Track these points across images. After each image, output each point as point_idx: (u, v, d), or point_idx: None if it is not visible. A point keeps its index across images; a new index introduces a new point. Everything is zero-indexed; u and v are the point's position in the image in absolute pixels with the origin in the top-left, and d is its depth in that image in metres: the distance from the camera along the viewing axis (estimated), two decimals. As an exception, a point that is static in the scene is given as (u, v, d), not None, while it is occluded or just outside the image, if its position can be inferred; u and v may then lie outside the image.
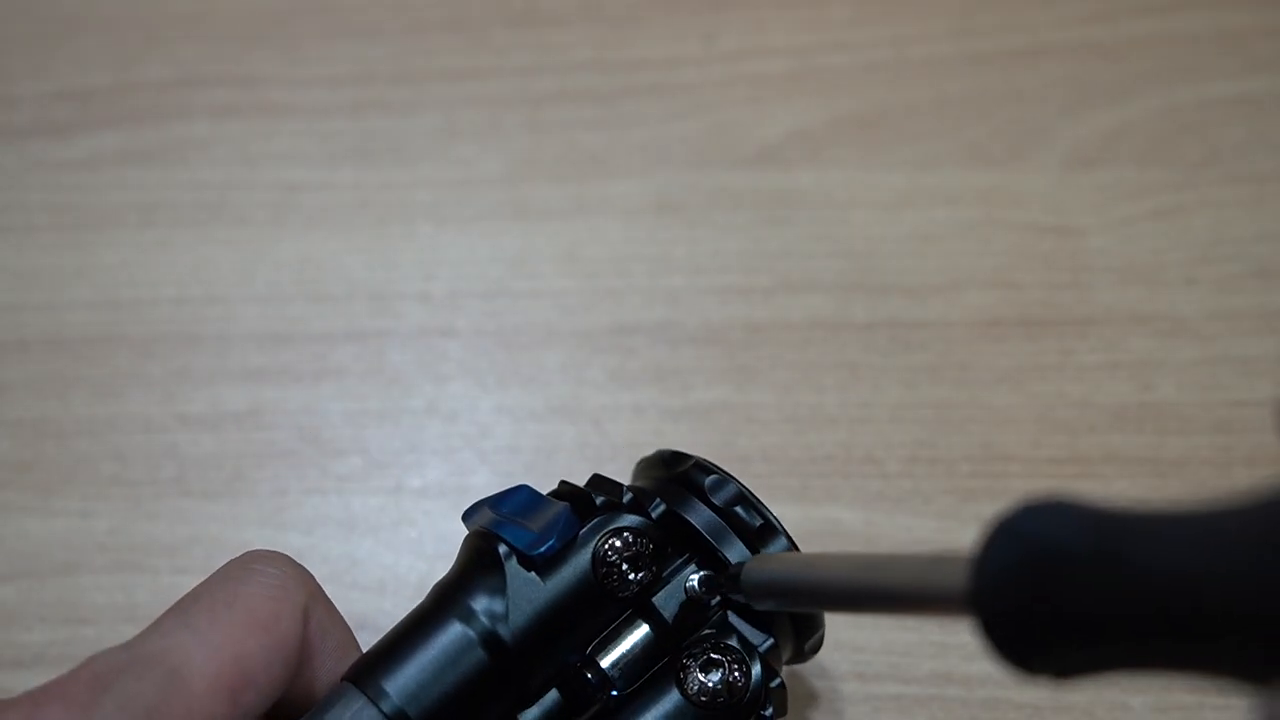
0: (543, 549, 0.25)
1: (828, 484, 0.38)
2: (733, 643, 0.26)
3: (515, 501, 0.26)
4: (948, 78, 0.45)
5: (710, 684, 0.26)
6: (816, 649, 0.29)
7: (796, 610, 0.27)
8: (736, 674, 0.26)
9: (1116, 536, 0.16)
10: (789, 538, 0.27)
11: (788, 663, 0.29)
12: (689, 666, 0.26)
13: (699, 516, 0.27)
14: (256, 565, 0.25)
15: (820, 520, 0.37)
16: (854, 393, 0.39)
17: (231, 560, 0.25)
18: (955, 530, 0.37)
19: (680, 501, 0.27)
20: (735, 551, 0.27)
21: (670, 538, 0.27)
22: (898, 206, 0.43)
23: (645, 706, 0.26)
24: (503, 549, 0.25)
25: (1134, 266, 0.41)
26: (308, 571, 0.26)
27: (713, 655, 0.26)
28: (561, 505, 0.26)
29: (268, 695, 0.23)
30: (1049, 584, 0.16)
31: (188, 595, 0.24)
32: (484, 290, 0.42)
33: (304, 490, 0.38)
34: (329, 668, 0.25)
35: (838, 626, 0.36)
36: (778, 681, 0.26)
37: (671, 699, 0.26)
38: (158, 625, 0.23)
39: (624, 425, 0.39)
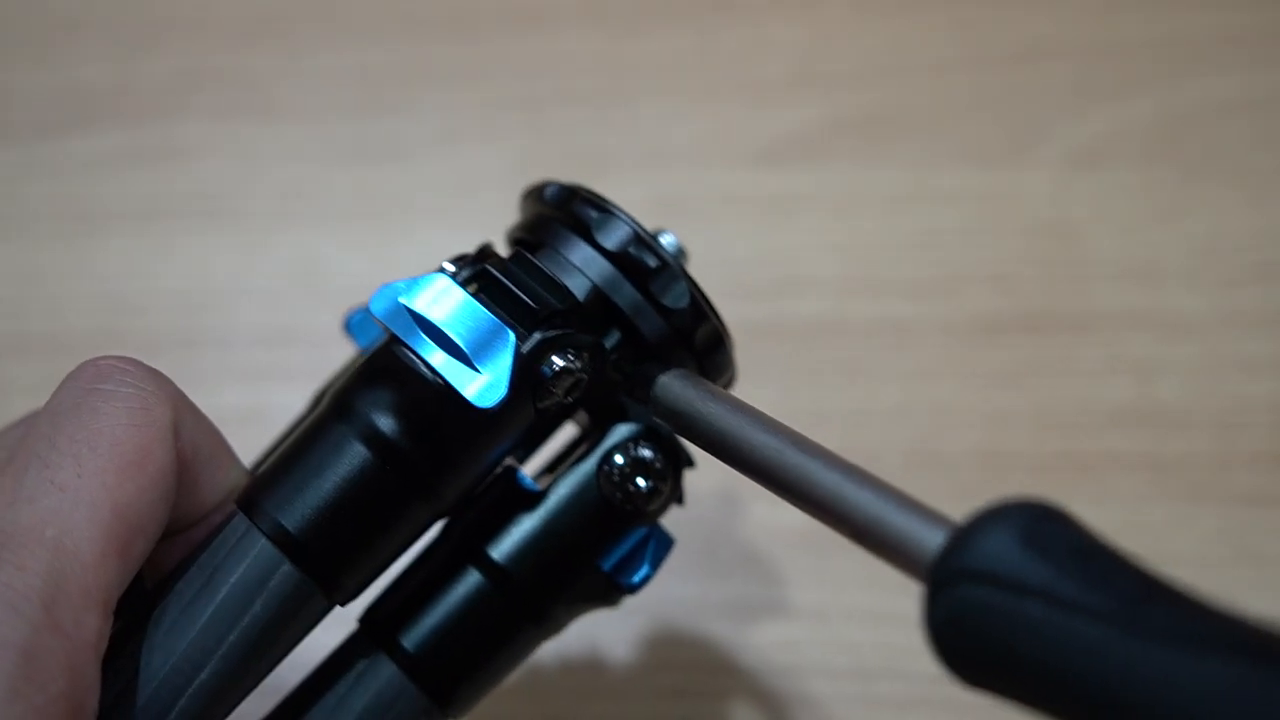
0: (491, 400, 0.21)
1: (828, 484, 0.38)
2: (658, 437, 0.25)
3: (445, 310, 0.21)
4: (948, 78, 0.45)
5: (635, 486, 0.24)
6: None
7: (700, 448, 0.24)
8: (659, 469, 0.25)
9: (1077, 604, 0.15)
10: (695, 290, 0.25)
11: None
12: (611, 466, 0.24)
13: (624, 297, 0.24)
14: (108, 386, 0.21)
15: (820, 520, 0.37)
16: (854, 393, 0.39)
17: (73, 379, 0.21)
18: (955, 530, 0.37)
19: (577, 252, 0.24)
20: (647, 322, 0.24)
21: (595, 316, 0.24)
22: (898, 206, 0.43)
23: (564, 507, 0.24)
24: (435, 382, 0.21)
25: (1134, 266, 0.41)
26: (164, 378, 0.22)
27: (634, 450, 0.25)
28: (505, 331, 0.21)
29: (154, 538, 0.21)
30: (992, 615, 0.16)
31: (38, 438, 0.20)
32: (484, 290, 0.42)
33: (304, 490, 0.38)
34: (206, 482, 0.23)
35: (837, 626, 0.36)
36: (689, 461, 0.25)
37: (593, 502, 0.24)
38: (20, 487, 0.20)
39: (624, 425, 0.39)
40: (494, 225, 0.45)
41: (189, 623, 0.21)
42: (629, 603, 0.27)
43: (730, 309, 0.28)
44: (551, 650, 0.35)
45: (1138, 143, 0.43)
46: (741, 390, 0.40)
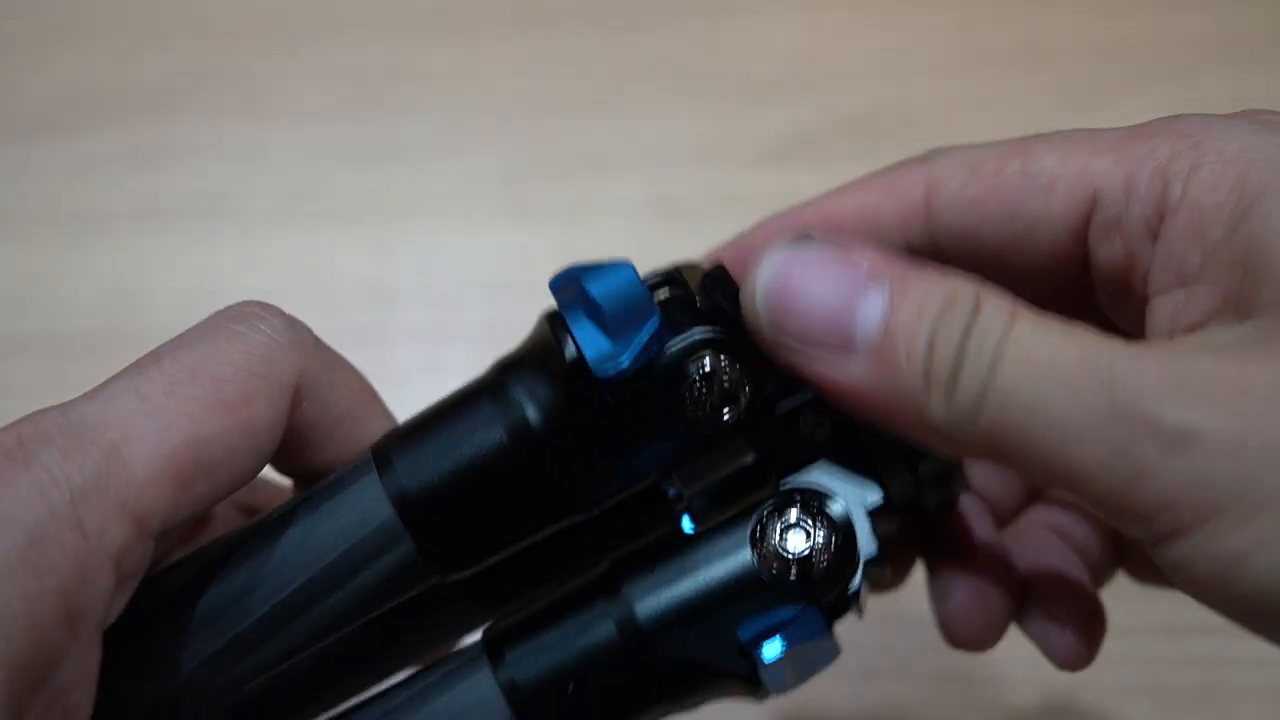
0: (610, 370, 0.20)
1: (828, 484, 0.38)
2: (828, 505, 0.21)
3: (607, 284, 0.20)
4: (948, 78, 0.45)
5: (786, 550, 0.21)
6: (943, 484, 0.23)
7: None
8: (820, 540, 0.21)
9: None
10: None
11: (925, 512, 0.24)
12: (768, 524, 0.21)
13: None
14: (239, 326, 0.21)
15: (820, 520, 0.37)
16: (854, 392, 0.39)
17: (215, 314, 0.21)
18: (955, 530, 0.37)
19: None
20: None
21: None
22: (898, 206, 0.43)
23: (710, 558, 0.21)
24: (569, 348, 0.20)
25: (1134, 266, 0.41)
26: (307, 334, 0.21)
27: (797, 514, 0.21)
28: (654, 312, 0.20)
29: (227, 485, 0.20)
30: None
31: (150, 354, 0.20)
32: (484, 289, 0.42)
33: (304, 490, 0.38)
34: (342, 439, 0.22)
35: (838, 626, 0.36)
36: (875, 552, 0.22)
37: (740, 559, 0.21)
38: (106, 387, 0.19)
39: (624, 425, 0.39)
40: (494, 225, 0.45)
41: (284, 532, 0.21)
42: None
43: (731, 309, 0.28)
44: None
45: (1138, 143, 0.43)
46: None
